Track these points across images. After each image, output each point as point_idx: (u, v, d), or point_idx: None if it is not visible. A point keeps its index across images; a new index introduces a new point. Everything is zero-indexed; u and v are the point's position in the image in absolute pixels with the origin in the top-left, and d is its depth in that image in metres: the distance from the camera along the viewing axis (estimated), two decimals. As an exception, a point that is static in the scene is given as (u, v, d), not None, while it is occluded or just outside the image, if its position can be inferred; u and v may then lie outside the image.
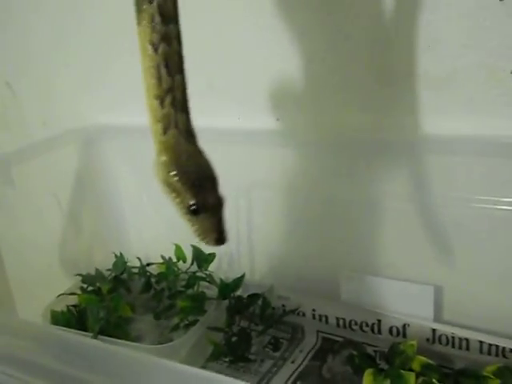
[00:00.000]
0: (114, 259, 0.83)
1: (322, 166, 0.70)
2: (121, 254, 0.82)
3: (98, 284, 0.78)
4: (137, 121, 0.79)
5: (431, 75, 0.61)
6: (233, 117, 0.73)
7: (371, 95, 0.65)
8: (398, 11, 0.60)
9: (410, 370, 0.59)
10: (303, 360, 0.68)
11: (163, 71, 0.43)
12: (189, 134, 0.44)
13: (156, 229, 0.84)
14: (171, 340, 0.68)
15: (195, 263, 0.75)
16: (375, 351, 0.67)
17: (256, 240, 0.77)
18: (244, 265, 0.78)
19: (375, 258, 0.70)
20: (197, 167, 0.44)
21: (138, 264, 0.81)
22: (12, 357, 0.42)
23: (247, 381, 0.67)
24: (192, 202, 0.42)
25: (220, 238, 0.42)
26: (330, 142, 0.69)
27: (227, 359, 0.69)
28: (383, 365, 0.63)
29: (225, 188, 0.76)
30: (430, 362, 0.60)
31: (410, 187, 0.65)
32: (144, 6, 0.42)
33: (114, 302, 0.72)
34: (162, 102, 0.43)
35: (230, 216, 0.76)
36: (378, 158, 0.66)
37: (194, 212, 0.42)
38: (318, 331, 0.72)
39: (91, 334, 0.67)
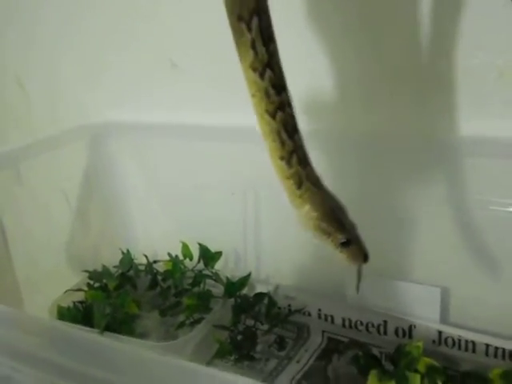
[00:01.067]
0: (120, 256, 0.83)
1: (333, 163, 0.70)
2: (128, 250, 0.82)
3: (104, 280, 0.79)
4: (145, 117, 0.81)
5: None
6: (239, 113, 0.73)
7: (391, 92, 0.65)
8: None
9: (416, 371, 0.59)
10: (308, 359, 0.68)
11: (284, 136, 0.48)
12: (317, 181, 0.50)
13: (163, 226, 0.84)
14: (177, 337, 0.69)
15: (202, 261, 0.75)
16: (381, 352, 0.67)
17: (263, 239, 0.77)
18: (250, 263, 0.78)
19: (382, 259, 0.69)
20: (335, 207, 0.50)
21: (144, 261, 0.81)
22: (19, 351, 0.42)
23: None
24: (343, 239, 0.48)
25: (366, 258, 0.49)
26: (343, 139, 0.68)
27: (232, 357, 0.69)
28: (388, 366, 0.62)
29: (232, 186, 0.77)
30: (436, 363, 0.60)
31: (416, 188, 0.65)
32: (256, 80, 0.47)
33: (121, 298, 0.72)
34: (288, 163, 0.49)
35: (237, 214, 0.78)
36: (385, 157, 0.66)
37: (345, 245, 0.48)
38: (323, 331, 0.71)
39: (97, 330, 0.68)
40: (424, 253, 0.66)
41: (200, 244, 0.75)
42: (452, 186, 0.64)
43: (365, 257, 0.49)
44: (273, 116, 0.48)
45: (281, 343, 0.71)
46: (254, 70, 0.47)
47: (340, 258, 0.50)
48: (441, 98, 0.63)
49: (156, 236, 0.85)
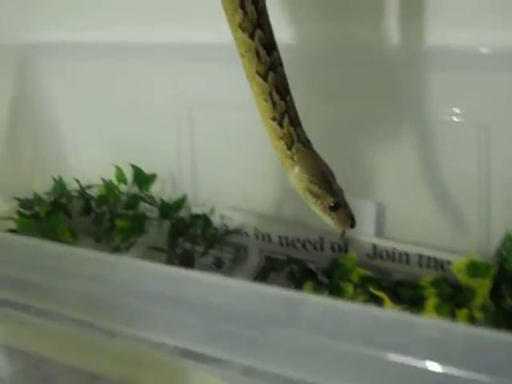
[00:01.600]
0: (53, 184, 0.80)
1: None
2: (60, 177, 0.79)
3: (36, 208, 0.76)
4: (75, 37, 0.77)
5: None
6: (171, 31, 0.70)
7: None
8: None
9: (349, 281, 0.60)
10: (245, 278, 0.68)
11: (276, 97, 0.48)
12: (308, 143, 0.50)
13: (97, 151, 0.80)
14: (111, 261, 0.67)
15: (136, 185, 0.73)
16: (317, 267, 0.67)
17: (199, 162, 0.76)
18: (187, 187, 0.76)
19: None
20: (325, 170, 0.50)
21: (78, 188, 0.78)
22: None
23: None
24: (333, 202, 0.49)
25: (354, 223, 0.49)
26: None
27: (169, 279, 0.68)
28: (324, 280, 0.63)
29: (164, 108, 0.74)
30: (369, 273, 0.60)
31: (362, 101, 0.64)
32: (246, 40, 0.46)
33: (51, 224, 0.70)
34: (280, 124, 0.49)
35: (171, 137, 0.75)
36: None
37: (333, 209, 0.49)
38: (261, 250, 0.71)
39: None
40: (359, 168, 0.66)
41: (133, 166, 0.72)
42: (400, 99, 0.63)
43: (352, 222, 0.50)
44: (264, 77, 0.47)
45: (218, 264, 0.71)
46: (244, 30, 0.46)
47: (327, 222, 0.50)
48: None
49: (89, 161, 0.81)
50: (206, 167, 0.75)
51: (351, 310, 0.35)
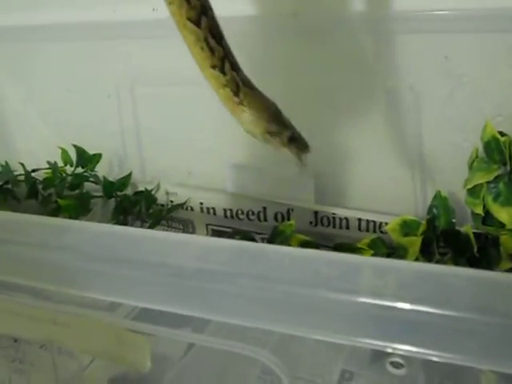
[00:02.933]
0: (-1, 169, 0.80)
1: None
2: (6, 162, 0.79)
3: (-19, 194, 0.76)
4: (12, 20, 0.76)
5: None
6: (108, 9, 0.70)
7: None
8: None
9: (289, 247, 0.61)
10: (192, 251, 0.69)
11: (212, 42, 0.45)
12: (252, 84, 0.48)
13: (42, 135, 0.80)
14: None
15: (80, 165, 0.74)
16: (262, 238, 0.68)
17: (144, 139, 0.76)
18: (134, 166, 0.77)
19: (257, 149, 0.69)
20: (273, 107, 0.48)
21: (23, 172, 0.78)
22: None
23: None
24: (290, 135, 0.48)
25: (308, 147, 0.49)
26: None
27: (116, 256, 0.68)
28: (267, 248, 0.64)
29: (106, 87, 0.75)
30: (308, 239, 0.62)
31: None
32: None
33: (-4, 207, 0.70)
34: (222, 70, 0.46)
35: (115, 116, 0.76)
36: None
37: (292, 140, 0.48)
38: (207, 224, 0.72)
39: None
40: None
41: (75, 146, 0.72)
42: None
43: (308, 146, 0.49)
44: (197, 23, 0.45)
45: (166, 240, 0.71)
46: None
47: (288, 154, 0.49)
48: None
49: (36, 145, 0.82)
50: (151, 145, 0.76)
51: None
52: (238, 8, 0.62)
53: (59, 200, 0.68)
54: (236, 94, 0.47)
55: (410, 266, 0.34)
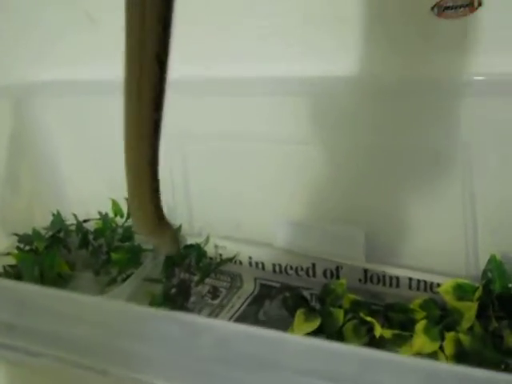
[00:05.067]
0: (52, 218, 0.82)
1: (259, 113, 0.70)
2: (58, 212, 0.81)
3: (34, 243, 0.77)
4: (66, 74, 0.79)
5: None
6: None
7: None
8: None
9: (340, 307, 0.61)
10: (241, 306, 0.69)
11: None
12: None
13: (94, 186, 0.82)
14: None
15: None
16: (311, 294, 0.68)
17: (192, 192, 0.77)
18: (181, 218, 0.78)
19: (309, 204, 0.70)
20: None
21: (75, 221, 0.80)
22: None
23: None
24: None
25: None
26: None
27: (166, 310, 0.69)
28: (316, 305, 0.64)
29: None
30: (359, 298, 0.61)
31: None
32: None
33: (50, 258, 0.72)
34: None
35: (165, 168, 0.77)
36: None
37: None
38: (255, 278, 0.73)
39: (27, 292, 0.67)
40: (347, 196, 0.68)
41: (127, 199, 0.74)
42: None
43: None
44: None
45: (214, 293, 0.72)
46: None
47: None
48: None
49: (87, 196, 0.83)
50: (200, 197, 0.77)
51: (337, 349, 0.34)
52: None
53: (111, 253, 0.69)
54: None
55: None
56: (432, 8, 0.59)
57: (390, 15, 0.60)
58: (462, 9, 0.58)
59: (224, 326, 0.37)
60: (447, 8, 0.59)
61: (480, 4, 0.57)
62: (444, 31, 0.59)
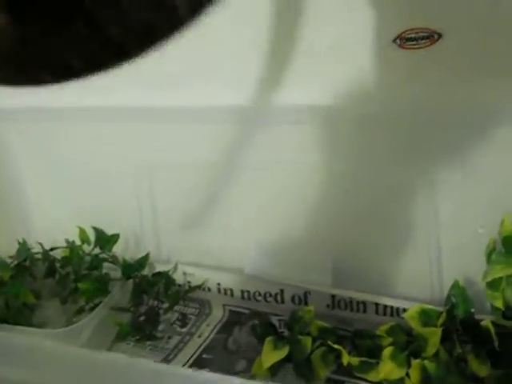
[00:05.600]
0: (17, 247, 0.80)
1: (223, 140, 0.70)
2: (24, 240, 0.80)
3: (0, 272, 0.76)
4: (35, 101, 0.78)
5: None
6: (131, 94, 0.72)
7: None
8: None
9: (308, 334, 0.61)
10: (210, 334, 0.69)
11: None
12: None
13: (60, 213, 0.81)
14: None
15: (98, 245, 0.74)
16: (279, 320, 0.69)
17: (160, 219, 0.77)
18: (150, 245, 0.78)
19: (276, 230, 0.71)
20: None
21: (41, 249, 0.79)
22: None
23: (153, 358, 0.68)
24: None
25: None
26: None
27: (134, 339, 0.69)
28: (286, 332, 0.64)
29: (125, 168, 0.76)
30: (327, 325, 0.62)
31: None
32: None
33: (15, 288, 0.71)
34: None
35: (133, 196, 0.77)
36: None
37: None
38: (224, 305, 0.73)
39: (-9, 323, 0.66)
40: (314, 221, 0.68)
41: (95, 228, 0.74)
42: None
43: None
44: None
45: (183, 320, 0.72)
46: None
47: None
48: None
49: (53, 224, 0.82)
50: (168, 224, 0.77)
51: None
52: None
53: (79, 284, 0.69)
54: None
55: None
56: (394, 40, 0.60)
57: (353, 46, 0.61)
58: (423, 41, 0.60)
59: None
60: (409, 40, 0.60)
61: (440, 36, 0.59)
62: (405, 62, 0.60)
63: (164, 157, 0.74)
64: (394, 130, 0.62)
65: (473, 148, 0.62)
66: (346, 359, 0.57)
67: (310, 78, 0.63)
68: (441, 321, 0.57)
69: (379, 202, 0.66)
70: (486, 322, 0.54)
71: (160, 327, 0.71)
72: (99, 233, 0.73)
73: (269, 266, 0.71)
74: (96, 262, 0.72)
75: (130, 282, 0.72)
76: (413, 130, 0.63)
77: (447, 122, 0.60)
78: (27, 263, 0.78)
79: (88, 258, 0.75)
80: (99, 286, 0.69)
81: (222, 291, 0.72)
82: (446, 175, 0.62)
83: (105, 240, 0.73)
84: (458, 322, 0.57)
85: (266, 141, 0.68)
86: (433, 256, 0.65)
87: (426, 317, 0.59)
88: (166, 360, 0.65)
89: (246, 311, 0.71)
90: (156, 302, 0.73)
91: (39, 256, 0.79)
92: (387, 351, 0.58)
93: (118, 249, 0.77)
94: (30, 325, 0.69)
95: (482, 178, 0.62)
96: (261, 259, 0.71)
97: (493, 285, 0.54)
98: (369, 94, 0.61)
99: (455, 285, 0.59)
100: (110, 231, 0.76)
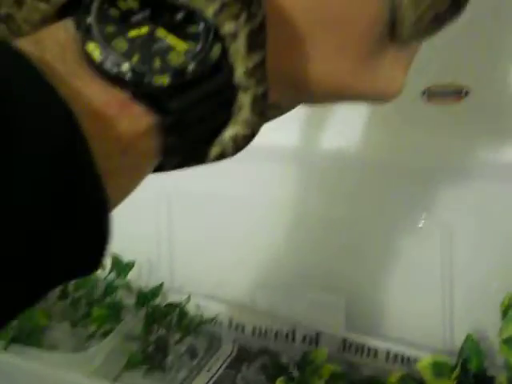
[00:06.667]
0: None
1: (245, 175, 0.71)
2: (38, 260, 0.80)
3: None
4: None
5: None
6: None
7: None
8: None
9: (319, 377, 0.61)
10: (218, 369, 0.69)
11: None
12: None
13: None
14: (87, 349, 0.68)
15: (114, 271, 0.75)
16: (289, 359, 0.69)
17: (176, 248, 0.78)
18: (164, 273, 0.78)
19: (289, 268, 0.71)
20: None
21: (56, 271, 0.79)
22: None
23: (162, 390, 0.68)
24: None
25: None
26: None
27: (143, 368, 0.69)
28: (295, 373, 0.65)
29: (145, 194, 0.77)
30: (338, 370, 0.62)
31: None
32: None
33: (29, 309, 0.71)
34: None
35: (150, 223, 0.78)
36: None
37: None
38: (234, 340, 0.73)
39: (3, 342, 0.66)
40: (330, 262, 0.69)
41: (112, 254, 0.74)
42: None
43: None
44: None
45: (192, 352, 0.72)
46: None
47: None
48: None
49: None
50: (184, 253, 0.78)
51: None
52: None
53: (93, 309, 0.69)
54: None
55: None
56: (422, 93, 0.62)
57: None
58: (450, 96, 0.61)
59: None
60: (436, 94, 0.61)
61: (467, 93, 0.60)
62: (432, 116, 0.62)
63: (185, 186, 0.75)
64: (407, 176, 0.63)
65: (489, 199, 0.63)
66: (357, 406, 0.58)
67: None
68: (454, 374, 0.57)
69: (395, 248, 0.66)
70: (501, 377, 0.55)
71: (169, 358, 0.71)
72: (116, 259, 0.74)
73: (282, 304, 0.71)
74: (110, 289, 0.73)
75: (143, 310, 0.72)
76: (426, 178, 0.64)
77: (463, 173, 0.61)
78: (41, 283, 0.78)
79: (102, 284, 0.76)
80: (112, 312, 0.70)
81: (234, 326, 0.73)
82: (461, 224, 0.63)
83: (121, 267, 0.74)
84: (471, 377, 0.58)
85: (279, 178, 0.69)
86: (446, 306, 0.65)
87: (439, 368, 0.59)
88: (175, 392, 0.66)
89: (256, 348, 0.72)
90: (167, 333, 0.73)
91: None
92: (398, 401, 0.58)
93: (131, 274, 0.77)
94: (41, 345, 0.69)
95: (497, 229, 0.63)
96: (274, 297, 0.72)
97: (508, 341, 0.55)
98: (383, 142, 0.63)
99: (468, 338, 0.59)
100: (124, 256, 0.77)
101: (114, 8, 0.21)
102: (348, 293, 0.69)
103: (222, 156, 0.24)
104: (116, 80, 0.20)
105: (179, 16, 0.21)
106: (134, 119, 0.21)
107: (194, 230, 0.76)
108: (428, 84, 0.61)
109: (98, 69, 0.20)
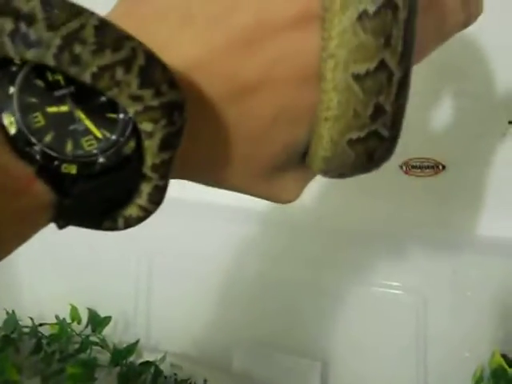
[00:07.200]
0: (5, 317, 0.80)
1: (224, 237, 0.72)
2: (13, 311, 0.79)
3: (-16, 343, 0.75)
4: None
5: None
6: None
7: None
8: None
9: None
10: (192, 431, 0.68)
11: None
12: None
13: (52, 288, 0.82)
14: (58, 407, 0.67)
15: (89, 326, 0.74)
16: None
17: (154, 305, 0.78)
18: (140, 329, 0.78)
19: (268, 331, 0.72)
20: None
21: (30, 323, 0.78)
22: None
23: None
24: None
25: None
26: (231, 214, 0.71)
27: (114, 429, 0.68)
28: None
29: (126, 251, 0.77)
30: None
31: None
32: None
33: (0, 363, 0.70)
34: None
35: (130, 279, 0.78)
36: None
37: None
38: (209, 401, 0.72)
39: (-29, 399, 0.65)
40: (305, 327, 0.70)
41: (89, 309, 0.74)
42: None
43: None
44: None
45: (166, 414, 0.71)
46: None
47: None
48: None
49: (45, 297, 0.82)
50: (160, 311, 0.77)
51: None
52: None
53: (67, 367, 0.68)
54: None
55: None
56: (400, 166, 0.64)
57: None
58: (427, 170, 0.63)
59: None
60: (414, 167, 0.64)
61: (444, 167, 0.63)
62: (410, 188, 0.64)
63: (164, 245, 0.76)
64: (382, 242, 0.65)
65: (463, 268, 0.65)
66: None
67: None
68: None
69: (369, 309, 0.67)
70: None
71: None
72: (93, 314, 0.74)
73: (257, 368, 0.71)
74: (85, 345, 0.72)
75: (117, 368, 0.72)
76: (401, 247, 0.66)
77: (440, 242, 0.63)
78: (14, 335, 0.77)
79: (77, 338, 0.75)
80: (86, 370, 0.69)
81: (208, 387, 0.72)
82: (435, 292, 0.65)
83: (97, 322, 0.73)
84: None
85: (268, 248, 0.71)
86: (420, 373, 0.66)
87: None
88: None
89: (230, 410, 0.71)
90: (140, 391, 0.72)
91: (27, 330, 0.78)
92: None
93: (106, 329, 0.77)
94: (9, 402, 0.68)
95: (471, 299, 0.65)
96: (250, 359, 0.72)
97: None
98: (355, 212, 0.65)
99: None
100: (99, 310, 0.76)
101: (40, 79, 0.22)
102: (325, 357, 0.69)
103: (112, 229, 0.25)
104: (26, 156, 0.21)
105: (102, 99, 0.22)
106: (34, 197, 0.22)
107: (174, 288, 0.76)
108: (406, 157, 0.64)
109: (12, 143, 0.21)
